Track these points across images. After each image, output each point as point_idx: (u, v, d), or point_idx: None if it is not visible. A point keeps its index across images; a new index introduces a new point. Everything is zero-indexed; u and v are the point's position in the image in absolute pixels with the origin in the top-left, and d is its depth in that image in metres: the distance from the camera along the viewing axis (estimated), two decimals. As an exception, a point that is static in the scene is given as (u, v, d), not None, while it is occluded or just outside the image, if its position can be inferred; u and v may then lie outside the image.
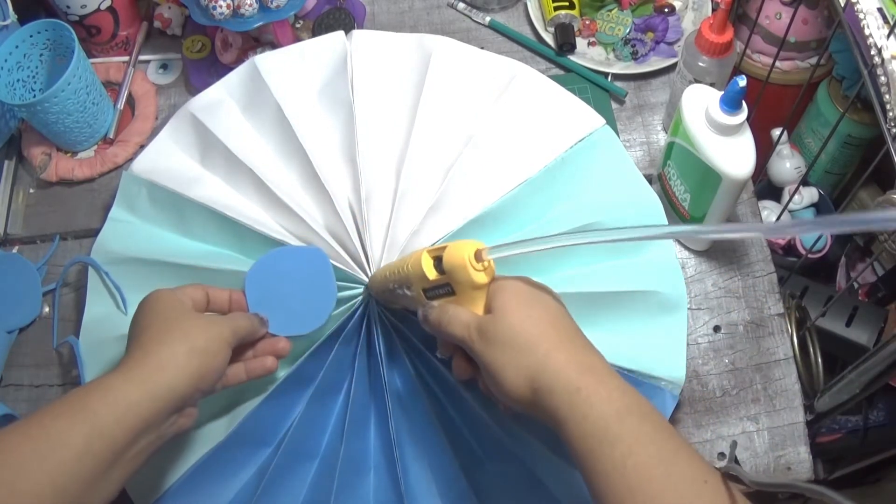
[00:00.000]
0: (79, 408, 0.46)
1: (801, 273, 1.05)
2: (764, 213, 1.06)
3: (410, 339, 0.61)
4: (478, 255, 0.49)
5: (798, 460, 0.68)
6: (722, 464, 0.67)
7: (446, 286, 0.51)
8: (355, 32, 0.75)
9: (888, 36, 0.58)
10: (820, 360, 0.74)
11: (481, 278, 0.49)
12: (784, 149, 1.09)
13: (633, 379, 0.63)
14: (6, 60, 0.74)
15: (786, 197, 1.10)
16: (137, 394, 0.48)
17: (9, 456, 0.43)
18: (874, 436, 1.06)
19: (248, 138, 0.71)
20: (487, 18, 0.86)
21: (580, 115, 0.72)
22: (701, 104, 0.63)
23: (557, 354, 0.46)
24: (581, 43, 0.84)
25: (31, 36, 0.76)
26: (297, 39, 0.82)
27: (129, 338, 0.54)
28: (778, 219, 1.01)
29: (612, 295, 0.64)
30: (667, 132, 0.77)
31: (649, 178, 0.74)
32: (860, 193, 1.13)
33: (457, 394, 0.61)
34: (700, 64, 0.70)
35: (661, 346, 0.65)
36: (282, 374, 0.62)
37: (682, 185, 0.69)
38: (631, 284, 0.65)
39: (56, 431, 0.45)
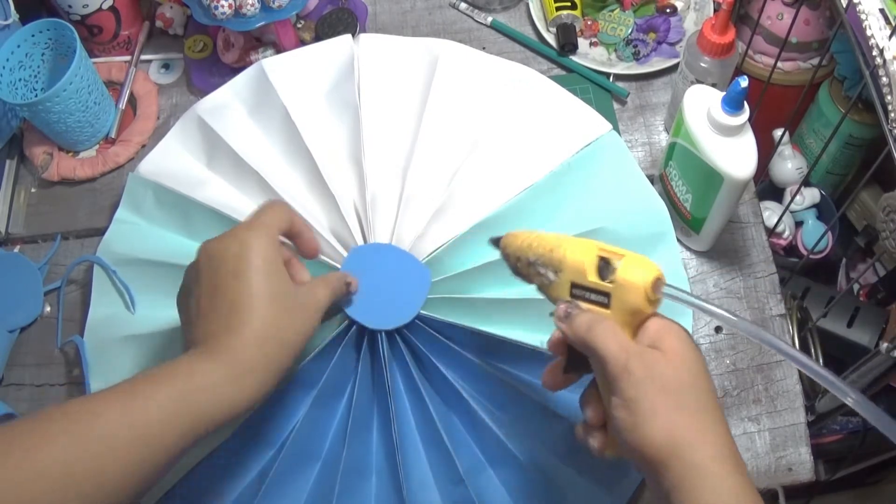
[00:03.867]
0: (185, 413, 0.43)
1: (803, 274, 1.04)
2: (765, 214, 1.05)
3: (414, 343, 0.61)
4: (656, 284, 0.45)
5: (799, 461, 0.68)
6: None
7: (603, 295, 0.46)
8: (362, 36, 0.75)
9: (890, 37, 0.58)
10: (821, 360, 0.74)
11: (649, 309, 0.45)
12: (786, 149, 1.09)
13: None
14: (8, 60, 0.74)
15: (787, 198, 1.10)
16: (244, 403, 0.45)
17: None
18: (875, 437, 1.06)
19: (254, 141, 0.71)
20: (489, 18, 0.86)
21: (587, 120, 0.72)
22: (703, 105, 0.63)
23: (719, 430, 0.42)
24: (583, 43, 0.84)
25: (32, 35, 0.76)
26: (300, 39, 0.82)
27: (203, 299, 0.47)
28: (779, 220, 1.01)
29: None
30: (668, 132, 0.77)
31: (651, 179, 0.74)
32: (862, 194, 1.13)
33: (460, 399, 0.61)
34: (702, 65, 0.70)
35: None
36: None
37: (684, 186, 0.69)
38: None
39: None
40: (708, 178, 0.64)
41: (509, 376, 0.62)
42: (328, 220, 0.67)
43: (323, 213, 0.67)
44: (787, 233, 1.10)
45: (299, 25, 0.83)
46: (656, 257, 0.68)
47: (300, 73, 0.73)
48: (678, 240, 0.73)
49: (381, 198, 0.66)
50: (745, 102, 0.61)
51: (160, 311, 0.65)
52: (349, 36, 0.75)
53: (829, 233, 1.09)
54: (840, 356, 0.83)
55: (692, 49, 0.70)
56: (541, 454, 0.61)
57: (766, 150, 1.04)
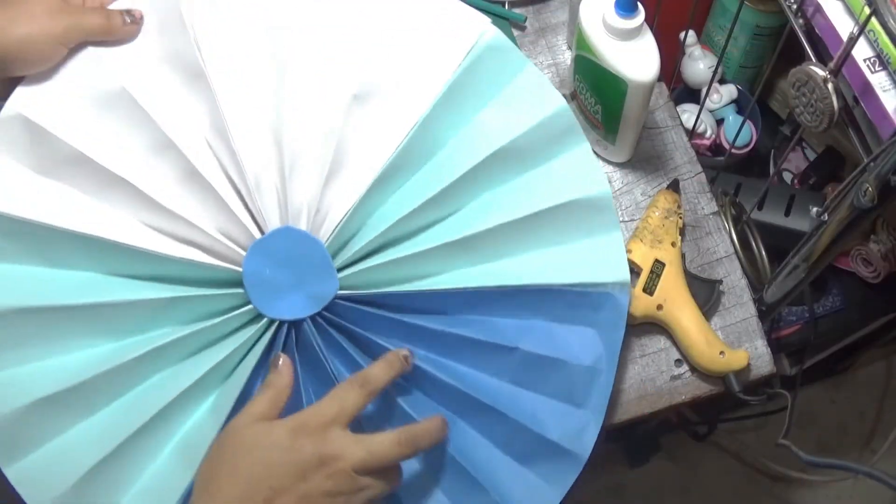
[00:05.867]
0: None
1: (736, 172, 1.05)
2: (684, 117, 1.04)
3: (344, 325, 0.59)
4: None
5: (756, 355, 0.68)
6: (681, 370, 0.68)
7: None
8: None
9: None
10: (763, 252, 0.76)
11: None
12: (695, 50, 1.07)
13: (580, 292, 0.61)
14: None
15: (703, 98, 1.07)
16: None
17: None
18: (833, 323, 1.06)
19: (100, 135, 0.59)
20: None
21: (458, 24, 0.63)
22: (598, 12, 0.63)
23: None
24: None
25: None
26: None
27: None
28: (697, 119, 0.98)
29: (534, 216, 0.62)
30: (572, 49, 0.75)
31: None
32: (781, 83, 1.12)
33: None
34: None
35: (598, 250, 0.63)
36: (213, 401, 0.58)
37: (593, 98, 0.69)
38: (550, 198, 0.62)
39: None
40: (612, 85, 0.65)
41: (454, 323, 0.60)
42: (212, 217, 0.59)
43: (205, 211, 0.59)
44: (709, 132, 1.09)
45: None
46: (563, 153, 0.64)
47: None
48: (597, 154, 0.73)
49: (264, 176, 0.59)
50: (639, 4, 0.61)
51: (57, 359, 0.58)
52: None
53: (752, 126, 1.10)
54: (784, 246, 0.79)
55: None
56: (504, 390, 0.60)
57: (677, 54, 1.04)
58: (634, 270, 0.68)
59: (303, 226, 0.59)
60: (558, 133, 0.64)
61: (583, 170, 0.64)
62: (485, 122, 0.63)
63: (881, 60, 0.52)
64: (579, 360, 0.61)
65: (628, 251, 0.69)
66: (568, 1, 0.81)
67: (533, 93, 0.63)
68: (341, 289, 0.58)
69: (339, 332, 0.59)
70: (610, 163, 0.76)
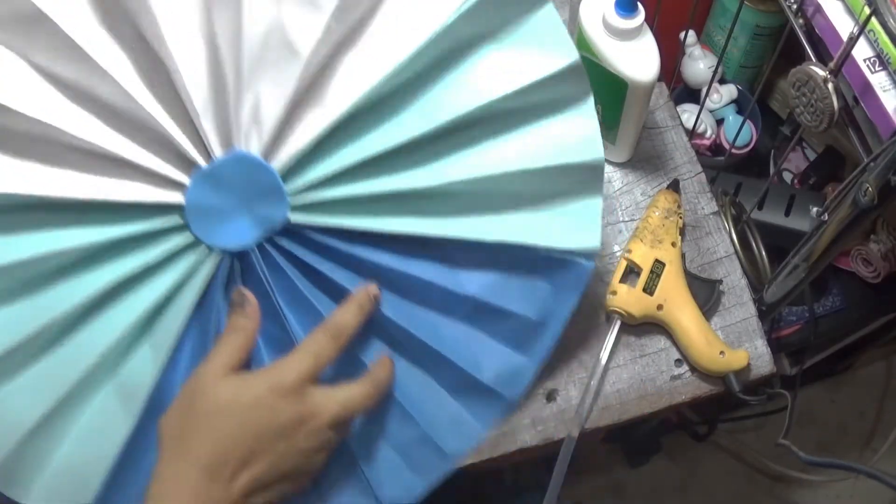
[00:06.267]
0: None
1: (736, 171, 1.05)
2: (684, 116, 1.04)
3: (293, 254, 0.55)
4: None
5: (756, 355, 0.69)
6: (681, 370, 0.68)
7: None
8: None
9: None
10: (763, 252, 0.76)
11: None
12: (695, 50, 1.07)
13: (545, 256, 0.59)
14: None
15: (703, 98, 1.05)
16: None
17: None
18: (833, 323, 1.06)
19: (18, 69, 0.52)
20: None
21: None
22: (598, 12, 0.63)
23: None
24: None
25: None
26: None
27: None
28: (697, 119, 0.98)
29: (517, 174, 0.58)
30: None
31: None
32: (781, 83, 1.12)
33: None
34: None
35: (576, 214, 0.60)
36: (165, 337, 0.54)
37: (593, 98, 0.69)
38: (539, 159, 0.58)
39: None
40: (612, 85, 0.65)
41: (409, 264, 0.57)
42: (150, 139, 0.53)
43: (142, 134, 0.52)
44: (709, 132, 1.09)
45: None
46: (566, 116, 0.59)
47: None
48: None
49: (210, 92, 0.52)
50: (640, 4, 0.62)
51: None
52: None
53: (752, 126, 1.10)
54: (784, 246, 0.78)
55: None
56: (445, 327, 0.59)
57: (677, 54, 1.04)
58: (634, 270, 0.68)
59: (254, 148, 0.53)
60: (565, 89, 0.58)
61: (581, 134, 0.59)
62: (487, 65, 0.56)
63: (881, 60, 0.52)
64: (529, 314, 0.60)
65: (629, 251, 0.69)
66: (568, 1, 0.81)
67: (545, 40, 0.56)
68: (292, 212, 0.54)
69: (288, 262, 0.55)
70: (610, 163, 0.76)
